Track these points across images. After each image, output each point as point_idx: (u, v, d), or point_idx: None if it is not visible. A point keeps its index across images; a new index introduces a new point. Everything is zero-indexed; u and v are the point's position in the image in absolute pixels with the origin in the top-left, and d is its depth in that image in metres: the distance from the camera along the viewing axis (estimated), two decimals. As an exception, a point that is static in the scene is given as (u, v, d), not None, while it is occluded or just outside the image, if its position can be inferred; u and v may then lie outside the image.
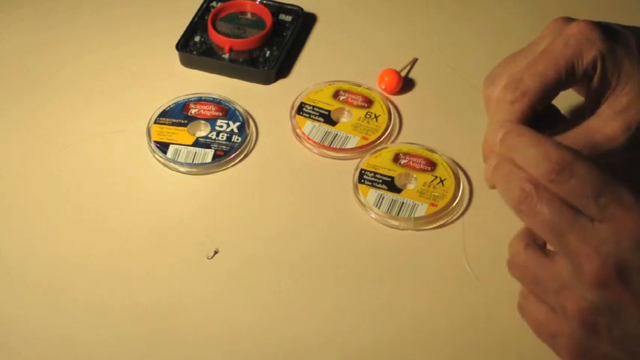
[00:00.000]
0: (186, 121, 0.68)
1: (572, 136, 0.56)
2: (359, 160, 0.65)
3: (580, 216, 0.46)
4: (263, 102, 0.70)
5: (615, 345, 0.46)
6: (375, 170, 0.64)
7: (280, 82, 0.72)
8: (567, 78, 0.54)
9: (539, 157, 0.47)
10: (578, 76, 0.55)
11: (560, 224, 0.46)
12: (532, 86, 0.54)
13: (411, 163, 0.65)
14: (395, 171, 0.64)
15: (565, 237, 0.46)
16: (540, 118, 0.56)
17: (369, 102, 0.69)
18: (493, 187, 0.51)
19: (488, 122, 0.56)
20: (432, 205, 0.62)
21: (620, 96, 0.55)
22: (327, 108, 0.69)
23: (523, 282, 0.49)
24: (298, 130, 0.67)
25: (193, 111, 0.68)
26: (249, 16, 0.75)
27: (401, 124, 0.69)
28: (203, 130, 0.68)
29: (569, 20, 0.56)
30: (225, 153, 0.66)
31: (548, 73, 0.54)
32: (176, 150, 0.66)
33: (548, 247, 0.49)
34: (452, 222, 0.62)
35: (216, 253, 0.60)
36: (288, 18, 0.76)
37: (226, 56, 0.72)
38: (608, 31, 0.55)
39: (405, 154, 0.65)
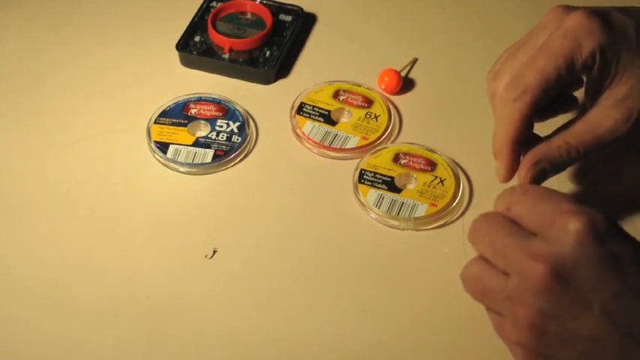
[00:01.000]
0: (186, 121, 0.68)
1: (577, 132, 0.57)
2: (359, 160, 0.65)
3: (519, 229, 0.48)
4: (263, 102, 0.70)
5: (567, 348, 0.46)
6: (375, 170, 0.64)
7: (280, 82, 0.72)
8: (567, 72, 0.55)
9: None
10: (578, 69, 0.55)
11: (501, 240, 0.48)
12: (533, 83, 0.54)
13: (411, 163, 0.65)
14: (395, 171, 0.64)
15: (506, 251, 0.48)
16: (555, 102, 0.57)
17: (369, 102, 0.69)
18: None
19: (495, 118, 0.57)
20: (432, 205, 0.62)
21: (619, 85, 0.56)
22: (327, 108, 0.69)
23: (475, 295, 0.50)
24: (298, 130, 0.67)
25: (193, 111, 0.68)
26: (249, 16, 0.75)
27: (401, 124, 0.69)
28: (203, 130, 0.68)
29: (568, 10, 0.56)
30: (225, 153, 0.66)
31: (548, 69, 0.54)
32: (176, 150, 0.66)
33: None
34: (452, 222, 0.62)
35: (215, 252, 0.60)
36: (288, 18, 0.76)
37: (226, 56, 0.72)
38: (606, 21, 0.55)
39: (405, 154, 0.65)
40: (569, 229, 0.46)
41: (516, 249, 0.47)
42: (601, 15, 0.55)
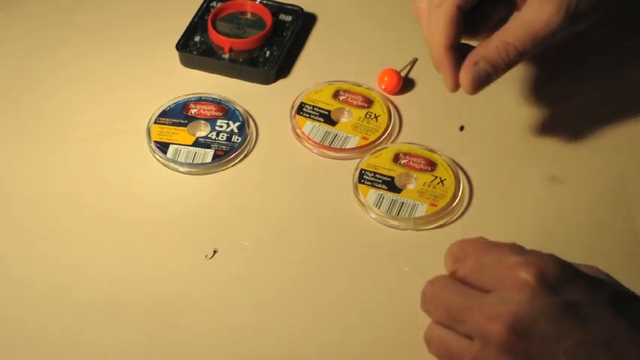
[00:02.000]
0: (186, 121, 0.68)
1: (513, 30, 0.58)
2: (359, 160, 0.65)
3: (470, 290, 0.48)
4: (263, 102, 0.70)
5: None
6: (375, 170, 0.64)
7: (280, 82, 0.72)
8: None
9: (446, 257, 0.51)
10: None
11: (456, 305, 0.47)
12: None
13: (411, 163, 0.65)
14: (395, 171, 0.64)
15: (463, 315, 0.47)
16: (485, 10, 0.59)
17: (369, 102, 0.69)
18: None
19: (423, 32, 0.59)
20: (432, 205, 0.62)
21: None
22: (327, 108, 0.69)
23: (441, 357, 0.50)
24: (298, 130, 0.67)
25: (193, 111, 0.68)
26: (249, 16, 0.75)
27: (401, 124, 0.69)
28: (203, 130, 0.68)
29: None
30: (225, 153, 0.66)
31: None
32: (176, 150, 0.66)
33: None
34: (452, 222, 0.62)
35: (215, 252, 0.60)
36: (288, 18, 0.76)
37: (226, 56, 0.72)
38: None
39: (405, 154, 0.65)
40: (520, 284, 0.45)
41: (473, 312, 0.46)
42: None
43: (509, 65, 0.59)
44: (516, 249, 0.48)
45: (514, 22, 0.58)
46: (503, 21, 0.61)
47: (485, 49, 0.58)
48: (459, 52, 0.59)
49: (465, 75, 0.59)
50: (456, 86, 0.60)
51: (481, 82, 0.59)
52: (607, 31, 0.74)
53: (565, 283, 0.46)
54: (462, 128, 0.59)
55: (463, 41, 0.60)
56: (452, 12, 0.57)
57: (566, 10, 0.57)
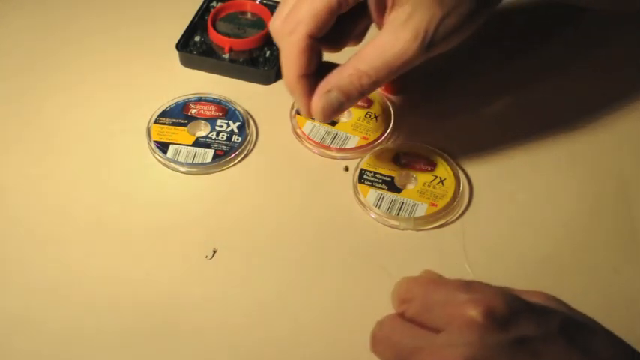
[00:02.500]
0: (186, 121, 0.68)
1: (367, 57, 0.56)
2: (359, 160, 0.65)
3: (420, 331, 0.46)
4: (263, 102, 0.70)
5: None
6: (375, 170, 0.64)
7: (280, 82, 0.72)
8: (339, 1, 0.54)
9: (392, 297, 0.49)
10: None
11: (406, 347, 0.46)
12: (304, 16, 0.55)
13: (411, 163, 0.65)
14: (395, 171, 0.64)
15: (414, 357, 0.45)
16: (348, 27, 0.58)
17: (369, 102, 0.69)
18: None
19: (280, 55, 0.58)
20: (432, 205, 0.62)
21: (401, 6, 0.55)
22: (327, 108, 0.69)
23: None
24: (298, 130, 0.67)
25: (193, 111, 0.68)
26: (249, 16, 0.75)
27: (401, 124, 0.69)
28: (203, 130, 0.68)
29: None
30: (225, 153, 0.66)
31: (316, 1, 0.54)
32: (176, 150, 0.66)
33: None
34: (452, 222, 0.62)
35: (215, 252, 0.60)
36: None
37: (226, 56, 0.72)
38: None
39: (405, 154, 0.65)
40: (469, 323, 0.44)
41: (423, 354, 0.45)
42: None
43: (362, 93, 0.57)
44: (463, 286, 0.46)
45: (369, 48, 0.56)
46: (368, 29, 0.59)
47: (339, 76, 0.56)
48: (314, 77, 0.57)
49: (316, 103, 0.57)
50: (310, 113, 0.58)
51: (333, 110, 0.57)
52: (606, 31, 0.75)
53: (515, 318, 0.45)
54: (346, 169, 0.59)
55: (325, 53, 0.59)
56: (302, 41, 0.55)
57: (423, 38, 0.55)
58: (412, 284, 0.48)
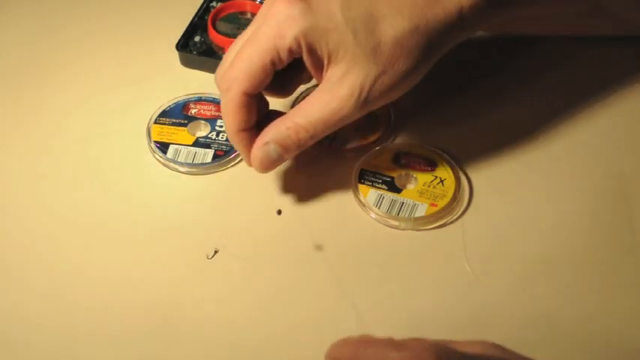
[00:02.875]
0: (186, 121, 0.68)
1: (305, 111, 0.57)
2: (359, 160, 0.65)
3: None
4: (263, 102, 0.70)
5: None
6: (375, 170, 0.64)
7: (280, 82, 0.72)
8: (273, 61, 0.55)
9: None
10: (284, 56, 0.55)
11: None
12: (239, 74, 0.56)
13: (411, 163, 0.65)
14: (395, 171, 0.64)
15: None
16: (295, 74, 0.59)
17: (369, 102, 0.69)
18: None
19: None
20: (432, 205, 0.62)
21: (337, 63, 0.56)
22: (327, 108, 0.69)
23: None
24: (298, 130, 0.67)
25: (193, 111, 0.68)
26: (249, 16, 0.75)
27: (401, 124, 0.69)
28: (203, 130, 0.68)
29: None
30: (225, 153, 0.66)
31: (252, 60, 0.55)
32: (176, 150, 0.66)
33: None
34: (452, 222, 0.62)
35: (216, 252, 0.60)
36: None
37: (226, 56, 0.72)
38: (307, 6, 0.55)
39: (405, 154, 0.65)
40: (426, 349, 0.43)
41: None
42: (304, 0, 0.55)
43: (300, 147, 0.58)
44: (394, 344, 0.45)
45: (308, 103, 0.57)
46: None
47: (277, 129, 0.58)
48: (255, 129, 0.59)
49: (255, 155, 0.59)
50: (250, 163, 0.60)
51: (272, 162, 0.59)
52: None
53: None
54: (279, 212, 0.60)
55: (270, 97, 0.61)
56: (239, 99, 0.56)
57: (358, 96, 0.56)
58: (342, 346, 0.47)
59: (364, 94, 0.56)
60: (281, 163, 0.60)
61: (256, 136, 0.59)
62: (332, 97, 0.56)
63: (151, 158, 0.66)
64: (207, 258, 0.60)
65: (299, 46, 0.55)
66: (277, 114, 0.60)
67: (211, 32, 0.73)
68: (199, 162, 0.65)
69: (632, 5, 0.67)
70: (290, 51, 0.55)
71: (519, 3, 0.60)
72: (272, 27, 0.55)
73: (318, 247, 0.61)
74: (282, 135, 0.58)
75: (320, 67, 0.57)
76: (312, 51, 0.55)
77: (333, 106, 0.56)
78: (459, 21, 0.57)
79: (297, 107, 0.58)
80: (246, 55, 0.56)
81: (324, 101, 0.57)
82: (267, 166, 0.59)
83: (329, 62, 0.56)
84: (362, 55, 0.55)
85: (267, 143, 0.58)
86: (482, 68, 0.73)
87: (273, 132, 0.58)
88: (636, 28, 0.70)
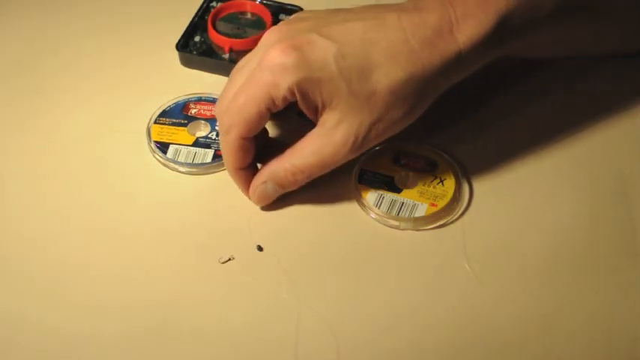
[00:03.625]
0: (186, 121, 0.68)
1: (302, 154, 0.59)
2: (359, 160, 0.65)
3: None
4: (263, 102, 0.70)
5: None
6: (375, 170, 0.64)
7: (280, 82, 0.72)
8: (268, 108, 0.57)
9: None
10: (278, 104, 0.57)
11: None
12: (235, 121, 0.58)
13: (411, 163, 0.65)
14: (395, 171, 0.64)
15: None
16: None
17: (369, 102, 0.69)
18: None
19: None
20: (432, 205, 0.62)
21: (331, 111, 0.57)
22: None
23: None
24: (298, 130, 0.67)
25: (193, 111, 0.68)
26: (249, 16, 0.75)
27: (401, 124, 0.69)
28: (203, 130, 0.68)
29: (276, 38, 0.57)
30: (225, 153, 0.66)
31: (248, 107, 0.57)
32: (176, 150, 0.66)
33: None
34: (452, 222, 0.62)
35: (230, 259, 0.60)
36: (288, 18, 0.75)
37: (226, 56, 0.72)
38: (302, 56, 0.56)
39: (405, 154, 0.65)
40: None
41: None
42: (297, 49, 0.56)
43: (297, 185, 0.61)
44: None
45: (305, 145, 0.59)
46: None
47: (274, 168, 0.60)
48: (252, 166, 0.62)
49: (253, 192, 0.61)
50: (248, 195, 0.62)
51: (269, 198, 0.62)
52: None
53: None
54: (260, 248, 0.60)
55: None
56: (236, 142, 0.59)
57: (353, 143, 0.58)
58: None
59: (359, 141, 0.58)
60: (277, 196, 0.62)
61: (254, 171, 0.62)
62: (327, 142, 0.58)
63: (151, 158, 0.66)
64: (220, 262, 0.60)
65: (293, 95, 0.56)
66: (276, 145, 0.62)
67: (211, 32, 0.73)
68: (199, 162, 0.65)
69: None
70: (284, 99, 0.57)
71: (518, 39, 0.60)
72: (266, 76, 0.56)
73: (318, 247, 0.61)
74: (280, 175, 0.60)
75: (315, 111, 0.58)
76: (306, 99, 0.57)
77: (328, 151, 0.58)
78: (457, 64, 0.58)
79: (293, 148, 0.59)
80: (242, 101, 0.57)
81: (319, 145, 0.58)
82: (265, 201, 0.62)
83: (323, 108, 0.57)
84: (356, 104, 0.56)
85: (265, 182, 0.60)
86: (481, 68, 0.73)
87: (270, 172, 0.60)
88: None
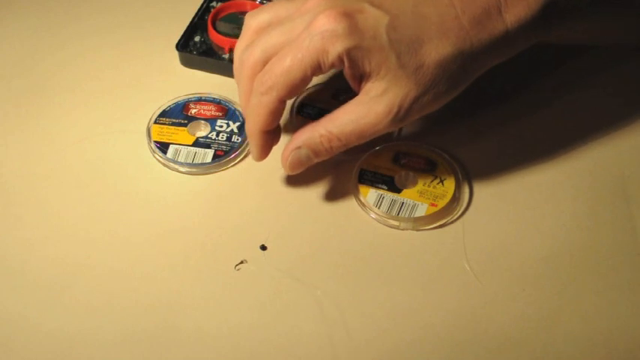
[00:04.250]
0: (186, 121, 0.68)
1: (340, 121, 0.58)
2: (359, 160, 0.65)
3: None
4: (263, 102, 0.70)
5: None
6: (375, 170, 0.64)
7: (280, 82, 0.72)
8: (313, 73, 0.56)
9: None
10: (325, 70, 0.56)
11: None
12: (279, 82, 0.57)
13: (411, 163, 0.65)
14: (395, 171, 0.64)
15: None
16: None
17: (369, 102, 0.69)
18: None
19: (239, 93, 0.60)
20: (432, 205, 0.62)
21: (377, 80, 0.56)
22: (327, 108, 0.69)
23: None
24: (298, 130, 0.67)
25: (193, 111, 0.68)
26: (249, 16, 0.75)
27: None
28: (203, 130, 0.68)
29: (325, 4, 0.56)
30: (225, 153, 0.66)
31: (294, 70, 0.56)
32: (176, 150, 0.66)
33: None
34: (452, 222, 0.62)
35: (242, 262, 0.60)
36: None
37: (226, 56, 0.72)
38: (353, 23, 0.55)
39: (405, 154, 0.65)
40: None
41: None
42: (349, 16, 0.55)
43: (331, 154, 0.59)
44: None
45: (343, 113, 0.58)
46: None
47: (310, 135, 0.59)
48: (276, 131, 0.61)
49: (286, 156, 0.60)
50: (259, 159, 0.62)
51: (301, 164, 0.60)
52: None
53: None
54: (263, 248, 0.60)
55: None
56: (273, 105, 0.58)
57: (396, 114, 0.57)
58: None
59: (401, 113, 0.57)
60: (309, 165, 0.61)
61: (275, 136, 0.61)
62: (369, 111, 0.57)
63: (151, 158, 0.66)
64: (236, 268, 0.60)
65: (341, 62, 0.56)
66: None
67: (211, 32, 0.73)
68: (199, 162, 0.65)
69: None
70: (332, 65, 0.56)
71: (561, 24, 0.60)
72: (316, 41, 0.55)
73: (318, 248, 0.61)
74: (315, 142, 0.59)
75: (359, 79, 0.57)
76: (353, 67, 0.56)
77: (368, 120, 0.57)
78: (503, 44, 0.58)
79: (331, 115, 0.58)
80: (287, 64, 0.56)
81: (360, 114, 0.57)
82: (296, 168, 0.60)
83: (369, 77, 0.57)
84: (404, 76, 0.56)
85: (299, 147, 0.59)
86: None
87: (305, 137, 0.59)
88: None
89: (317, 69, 0.56)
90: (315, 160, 0.60)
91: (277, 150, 0.62)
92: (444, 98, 0.58)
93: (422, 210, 0.62)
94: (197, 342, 0.56)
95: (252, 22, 0.60)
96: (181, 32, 0.73)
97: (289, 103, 0.69)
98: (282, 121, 0.68)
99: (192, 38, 0.74)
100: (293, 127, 0.68)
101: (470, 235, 0.61)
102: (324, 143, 0.59)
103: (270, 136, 0.61)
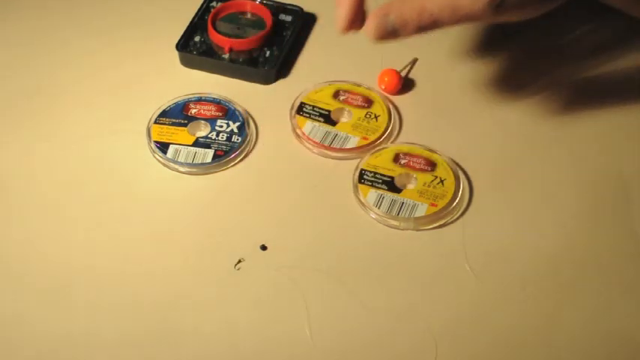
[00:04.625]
0: (186, 121, 0.68)
1: None
2: (359, 160, 0.65)
3: None
4: (263, 102, 0.70)
5: None
6: (375, 170, 0.64)
7: (280, 82, 0.72)
8: None
9: None
10: None
11: None
12: None
13: (411, 163, 0.65)
14: (395, 171, 0.64)
15: None
16: None
17: (369, 102, 0.69)
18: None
19: None
20: (432, 205, 0.62)
21: None
22: (327, 108, 0.69)
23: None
24: (298, 130, 0.67)
25: (193, 111, 0.68)
26: (249, 16, 0.75)
27: (401, 124, 0.69)
28: (203, 130, 0.68)
29: None
30: (225, 153, 0.66)
31: None
32: (176, 150, 0.66)
33: None
34: (452, 222, 0.62)
35: (240, 261, 0.60)
36: (288, 18, 0.76)
37: (226, 56, 0.72)
38: None
39: (405, 154, 0.65)
40: None
41: None
42: None
43: (419, 29, 0.56)
44: None
45: None
46: None
47: (401, 3, 0.56)
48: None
49: (372, 21, 0.56)
50: (346, 27, 0.58)
51: (386, 33, 0.57)
52: (608, 32, 0.75)
53: None
54: (263, 248, 0.60)
55: None
56: None
57: None
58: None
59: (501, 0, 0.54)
60: (391, 39, 0.57)
61: (360, 5, 0.57)
62: None
63: (151, 158, 0.66)
64: (235, 268, 0.60)
65: None
66: None
67: (211, 32, 0.73)
68: (199, 162, 0.65)
69: None
70: None
71: None
72: None
73: (318, 247, 0.61)
74: (404, 11, 0.56)
75: None
76: None
77: (466, 2, 0.54)
78: None
79: None
80: None
81: None
82: (379, 34, 0.57)
83: None
84: None
85: (387, 14, 0.56)
86: (482, 68, 0.73)
87: (398, 5, 0.56)
88: None
89: None
90: (400, 33, 0.57)
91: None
92: (542, 2, 0.55)
93: (422, 210, 0.62)
94: (197, 341, 0.56)
95: None
96: (181, 32, 0.73)
97: (289, 103, 0.69)
98: (283, 120, 0.69)
99: (193, 38, 0.74)
100: (293, 127, 0.68)
101: (470, 235, 0.61)
102: (413, 15, 0.55)
103: (362, 3, 0.57)
